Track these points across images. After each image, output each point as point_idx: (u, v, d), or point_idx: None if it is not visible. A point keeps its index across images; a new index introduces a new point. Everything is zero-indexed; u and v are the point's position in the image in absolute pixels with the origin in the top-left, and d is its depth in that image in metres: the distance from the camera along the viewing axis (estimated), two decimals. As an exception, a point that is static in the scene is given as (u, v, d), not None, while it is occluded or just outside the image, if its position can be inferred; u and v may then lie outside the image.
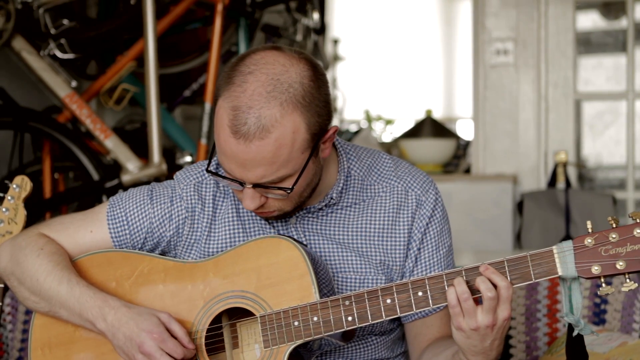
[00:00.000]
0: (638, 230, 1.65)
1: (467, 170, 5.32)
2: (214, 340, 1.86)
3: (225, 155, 1.76)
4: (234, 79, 1.75)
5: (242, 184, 1.77)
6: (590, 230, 1.68)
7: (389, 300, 1.74)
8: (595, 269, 1.66)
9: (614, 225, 1.67)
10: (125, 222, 1.97)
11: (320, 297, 1.77)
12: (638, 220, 1.65)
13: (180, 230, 1.96)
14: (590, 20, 5.32)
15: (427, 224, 1.94)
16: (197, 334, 1.84)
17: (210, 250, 1.94)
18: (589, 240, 1.67)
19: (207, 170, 1.83)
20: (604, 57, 5.36)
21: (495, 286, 1.68)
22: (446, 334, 1.90)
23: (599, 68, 5.34)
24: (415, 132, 5.38)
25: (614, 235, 1.66)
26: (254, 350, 1.85)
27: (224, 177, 1.80)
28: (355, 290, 1.89)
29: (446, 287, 1.72)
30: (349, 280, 1.91)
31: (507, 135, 4.74)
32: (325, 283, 1.82)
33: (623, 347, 2.16)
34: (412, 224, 1.94)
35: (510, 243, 4.59)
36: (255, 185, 1.77)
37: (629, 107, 4.73)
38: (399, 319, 1.97)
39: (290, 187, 1.77)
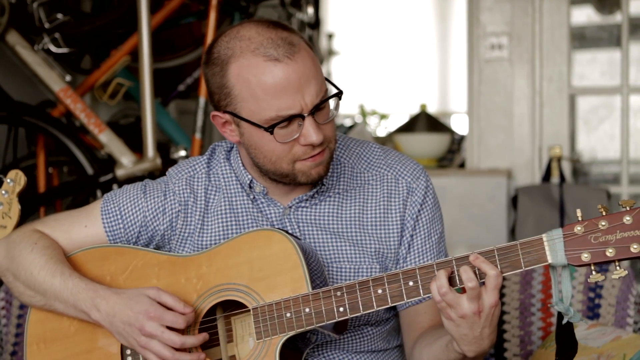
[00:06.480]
0: (627, 218, 1.65)
1: (462, 165, 5.32)
2: (208, 333, 1.86)
3: (279, 90, 1.75)
4: (234, 42, 1.79)
5: (302, 117, 1.76)
6: (580, 218, 1.68)
7: (380, 291, 1.75)
8: (585, 257, 1.66)
9: (604, 213, 1.67)
10: (119, 216, 1.98)
11: (313, 289, 1.77)
12: (628, 208, 1.65)
13: (174, 224, 1.97)
14: (585, 15, 5.31)
15: (418, 211, 1.95)
16: (191, 327, 1.85)
17: (204, 243, 1.94)
18: (579, 228, 1.67)
19: (267, 129, 1.77)
20: (599, 51, 5.35)
21: (484, 275, 1.68)
22: (439, 322, 1.90)
23: (594, 63, 5.33)
24: (409, 127, 5.38)
25: (603, 223, 1.66)
26: (248, 343, 1.85)
27: (286, 120, 1.76)
28: (350, 279, 1.90)
29: None
30: (343, 270, 1.91)
31: (501, 130, 4.73)
32: (318, 274, 1.82)
33: (617, 342, 2.16)
34: (405, 212, 1.94)
35: (505, 237, 4.59)
36: (314, 109, 1.76)
37: (623, 102, 4.73)
38: (394, 308, 1.97)
39: (338, 90, 1.81)
